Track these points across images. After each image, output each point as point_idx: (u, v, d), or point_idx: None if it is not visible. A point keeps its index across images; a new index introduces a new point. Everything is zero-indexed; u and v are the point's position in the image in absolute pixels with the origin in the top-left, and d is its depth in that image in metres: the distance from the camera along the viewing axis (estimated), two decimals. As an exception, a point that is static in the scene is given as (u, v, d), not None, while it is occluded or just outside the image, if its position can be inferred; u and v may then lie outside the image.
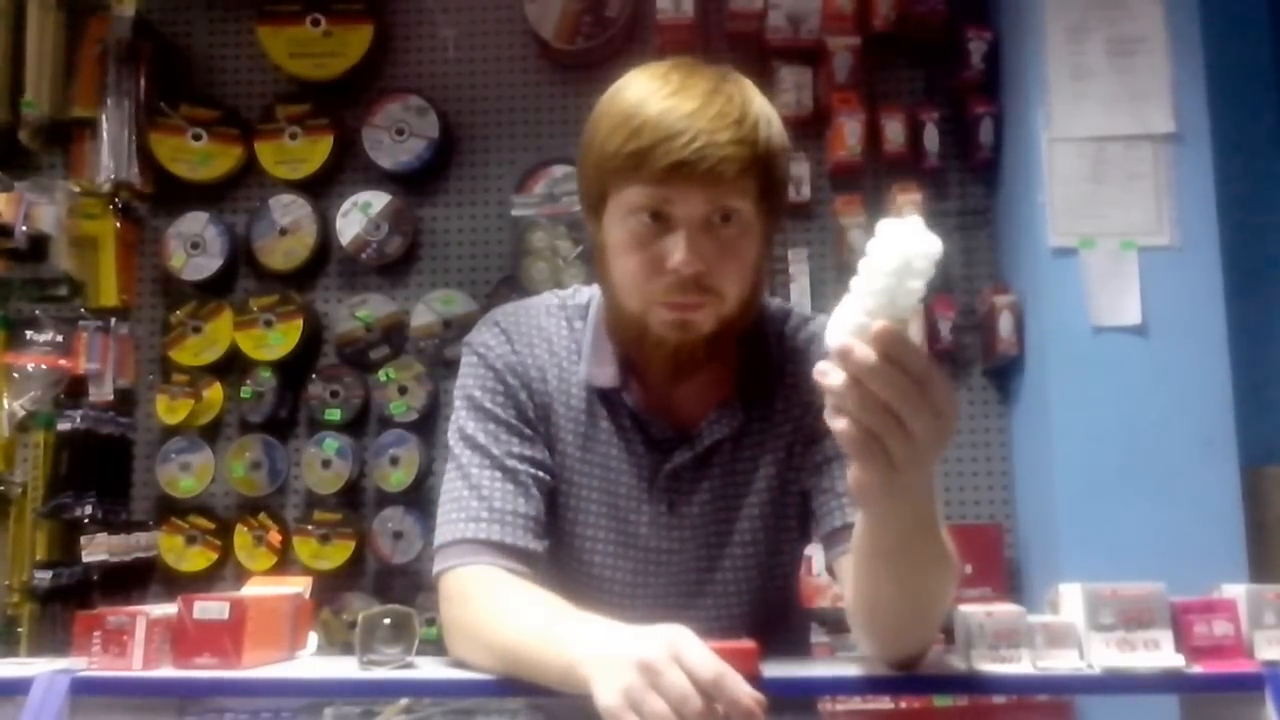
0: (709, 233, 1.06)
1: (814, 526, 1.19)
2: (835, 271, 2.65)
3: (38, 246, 2.57)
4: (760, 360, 1.20)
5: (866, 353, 0.76)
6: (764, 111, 1.09)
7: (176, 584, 2.53)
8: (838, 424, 0.80)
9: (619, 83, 1.12)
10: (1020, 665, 0.98)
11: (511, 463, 1.14)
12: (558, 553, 1.18)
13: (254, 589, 1.17)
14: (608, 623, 0.92)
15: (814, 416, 1.18)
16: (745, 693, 0.81)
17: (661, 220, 1.06)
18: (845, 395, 0.78)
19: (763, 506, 1.19)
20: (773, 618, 1.24)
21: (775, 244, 2.61)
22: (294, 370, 2.64)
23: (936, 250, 0.78)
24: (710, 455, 1.18)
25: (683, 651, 0.82)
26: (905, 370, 0.77)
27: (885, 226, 0.79)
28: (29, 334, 2.59)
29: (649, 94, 1.06)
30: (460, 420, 1.18)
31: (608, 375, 1.17)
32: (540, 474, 1.15)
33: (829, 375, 0.79)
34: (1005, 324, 2.44)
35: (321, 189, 2.72)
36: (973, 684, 0.99)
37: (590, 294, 1.24)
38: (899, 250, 0.78)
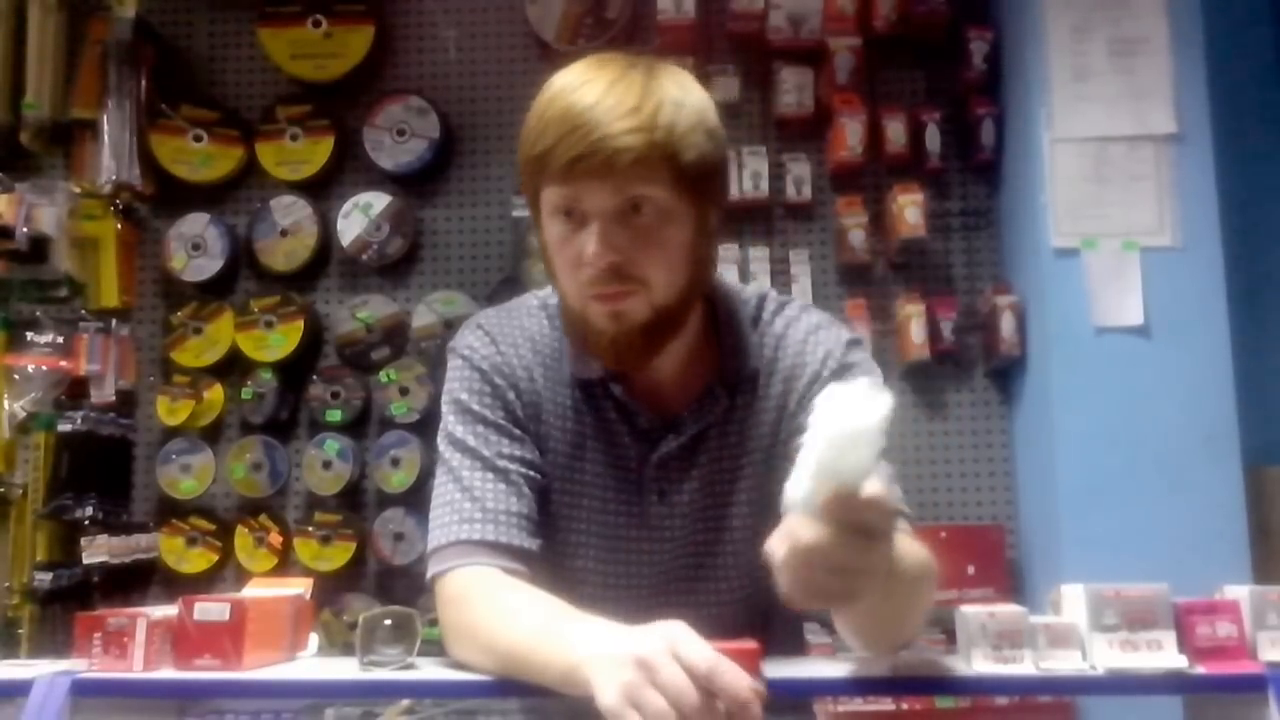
0: (622, 223, 1.06)
1: None
2: (836, 272, 2.65)
3: (38, 248, 2.57)
4: (740, 345, 1.20)
5: (812, 536, 0.80)
6: (671, 95, 1.06)
7: (177, 585, 2.52)
8: (787, 585, 0.83)
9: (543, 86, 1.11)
10: (1022, 666, 0.98)
11: (502, 463, 1.14)
12: (550, 553, 1.18)
13: (255, 590, 1.16)
14: (607, 623, 0.92)
15: (797, 400, 1.19)
16: (742, 684, 0.81)
17: (576, 216, 1.07)
18: (793, 567, 0.82)
19: (751, 491, 1.19)
20: (767, 606, 1.23)
21: (776, 241, 2.63)
22: (295, 371, 2.64)
23: (883, 418, 0.76)
24: (697, 443, 1.18)
25: (679, 646, 0.82)
26: (856, 532, 0.80)
27: (832, 391, 0.78)
28: (30, 335, 2.60)
29: (557, 94, 1.06)
30: (449, 425, 1.18)
31: (594, 367, 1.17)
32: (531, 473, 1.15)
33: (776, 554, 0.83)
34: (1007, 324, 2.44)
35: (322, 190, 2.72)
36: (975, 685, 0.99)
37: None
38: (841, 422, 0.76)
